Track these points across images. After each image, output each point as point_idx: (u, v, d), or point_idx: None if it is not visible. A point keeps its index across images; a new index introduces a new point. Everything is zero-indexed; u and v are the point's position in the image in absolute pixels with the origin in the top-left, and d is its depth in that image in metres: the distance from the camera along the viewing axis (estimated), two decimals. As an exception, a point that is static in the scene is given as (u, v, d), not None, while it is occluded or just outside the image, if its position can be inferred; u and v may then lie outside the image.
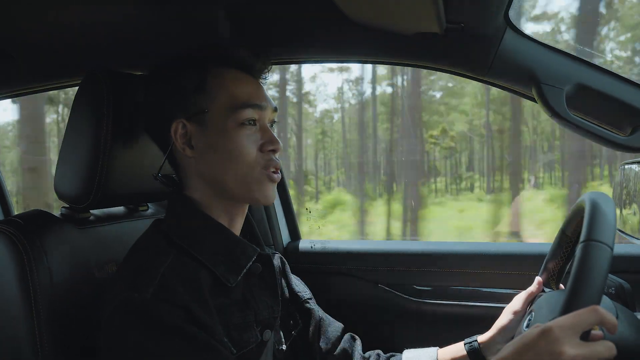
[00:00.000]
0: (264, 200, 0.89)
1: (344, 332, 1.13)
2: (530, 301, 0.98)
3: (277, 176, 0.89)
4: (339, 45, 1.18)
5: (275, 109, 0.92)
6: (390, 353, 1.13)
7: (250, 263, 0.89)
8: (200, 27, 1.10)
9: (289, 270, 1.12)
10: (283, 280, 1.09)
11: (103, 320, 0.76)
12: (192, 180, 0.90)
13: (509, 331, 0.98)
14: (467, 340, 1.04)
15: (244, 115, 0.86)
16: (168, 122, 0.87)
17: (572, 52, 1.03)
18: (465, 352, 1.03)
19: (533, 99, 1.08)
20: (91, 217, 1.02)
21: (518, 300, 1.00)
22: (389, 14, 1.02)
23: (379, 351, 1.13)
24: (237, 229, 0.93)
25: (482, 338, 1.02)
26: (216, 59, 0.89)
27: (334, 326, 1.12)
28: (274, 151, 0.88)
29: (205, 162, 0.87)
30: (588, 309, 0.60)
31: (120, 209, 1.13)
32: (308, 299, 1.10)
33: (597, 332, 0.62)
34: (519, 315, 0.98)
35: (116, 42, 1.13)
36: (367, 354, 1.12)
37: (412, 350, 1.09)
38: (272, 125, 0.92)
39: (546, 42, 1.04)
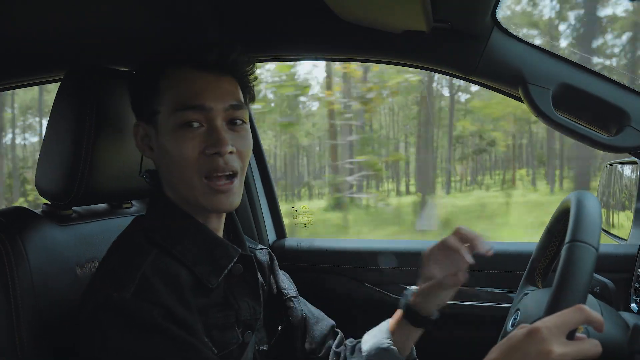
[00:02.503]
0: (215, 210, 0.85)
1: (332, 329, 1.10)
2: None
3: (224, 186, 0.82)
4: (326, 43, 1.17)
5: (234, 106, 0.85)
6: (355, 340, 1.08)
7: (232, 264, 0.88)
8: (188, 23, 1.09)
9: (277, 266, 1.11)
10: (271, 277, 1.08)
11: (83, 318, 0.75)
12: (163, 181, 0.89)
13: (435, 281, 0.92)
14: (402, 301, 0.98)
15: (184, 117, 0.82)
16: (132, 123, 0.90)
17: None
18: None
19: (519, 99, 1.08)
20: (73, 215, 1.00)
21: (435, 252, 0.91)
22: (377, 11, 1.02)
23: (347, 341, 1.09)
24: (218, 229, 0.91)
25: (413, 299, 0.97)
26: (172, 59, 0.86)
27: (321, 324, 1.09)
28: (218, 154, 0.81)
29: (161, 165, 0.87)
30: (574, 308, 0.61)
31: (103, 206, 1.11)
32: (292, 297, 1.08)
33: (581, 334, 0.63)
34: (441, 265, 0.90)
35: (103, 37, 1.12)
36: (339, 349, 1.08)
37: (370, 331, 1.05)
38: (238, 124, 0.86)
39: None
